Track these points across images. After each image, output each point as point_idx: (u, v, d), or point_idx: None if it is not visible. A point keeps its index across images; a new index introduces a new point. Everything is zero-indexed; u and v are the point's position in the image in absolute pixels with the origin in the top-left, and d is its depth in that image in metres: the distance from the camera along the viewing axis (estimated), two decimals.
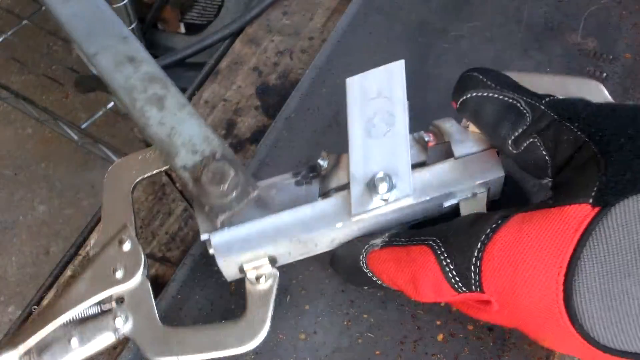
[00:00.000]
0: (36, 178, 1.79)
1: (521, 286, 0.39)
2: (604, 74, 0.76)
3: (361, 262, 0.50)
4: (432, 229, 0.46)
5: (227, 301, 0.61)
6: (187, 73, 1.57)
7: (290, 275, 0.62)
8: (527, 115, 0.44)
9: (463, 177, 0.47)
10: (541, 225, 0.39)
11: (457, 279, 0.43)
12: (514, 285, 0.40)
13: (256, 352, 0.58)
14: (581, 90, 0.48)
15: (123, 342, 0.61)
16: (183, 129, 0.45)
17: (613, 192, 0.37)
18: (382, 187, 0.45)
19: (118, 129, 1.82)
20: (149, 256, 0.67)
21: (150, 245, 0.67)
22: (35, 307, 0.64)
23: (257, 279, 0.47)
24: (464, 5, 0.84)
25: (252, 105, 0.77)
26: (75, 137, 1.68)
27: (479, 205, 0.48)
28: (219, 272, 0.64)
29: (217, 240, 0.47)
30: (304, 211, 0.47)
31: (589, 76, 0.76)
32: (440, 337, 0.58)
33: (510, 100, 0.45)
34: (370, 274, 0.50)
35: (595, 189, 0.38)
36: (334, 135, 0.72)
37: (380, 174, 0.45)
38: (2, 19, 1.91)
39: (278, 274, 0.48)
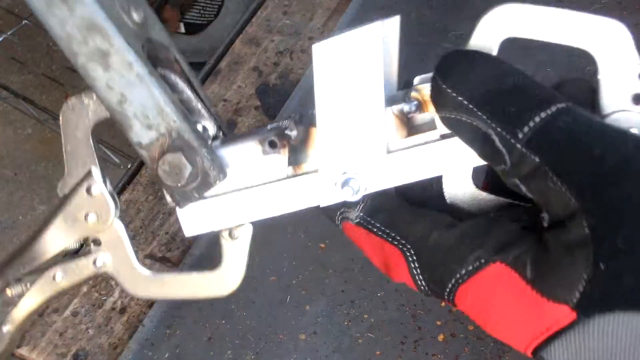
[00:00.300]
0: (36, 178, 1.79)
1: (491, 331, 0.38)
2: None
3: (337, 223, 0.46)
4: (408, 231, 0.41)
5: (227, 301, 0.61)
6: None
7: (291, 275, 0.62)
8: (504, 155, 0.36)
9: (445, 163, 0.42)
10: (517, 303, 0.37)
11: (429, 292, 0.42)
12: (484, 326, 0.39)
13: (256, 352, 0.58)
14: (601, 37, 0.41)
15: (124, 343, 0.61)
16: (133, 97, 0.39)
17: (597, 304, 0.35)
18: (350, 191, 0.42)
19: (117, 129, 1.82)
20: (148, 256, 0.67)
21: (150, 245, 0.67)
22: None
23: (231, 234, 0.45)
24: (464, 5, 0.84)
25: (252, 105, 0.77)
26: None
27: (464, 181, 0.44)
28: None
29: (184, 215, 0.45)
30: (272, 190, 0.44)
31: (589, 76, 0.76)
32: (440, 337, 0.58)
33: (483, 130, 0.36)
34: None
35: (579, 293, 0.35)
36: None
37: (348, 174, 0.42)
38: (2, 19, 1.91)
39: (251, 227, 0.46)
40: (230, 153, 0.46)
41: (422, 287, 0.40)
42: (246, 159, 0.45)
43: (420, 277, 0.40)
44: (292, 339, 0.58)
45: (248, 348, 0.58)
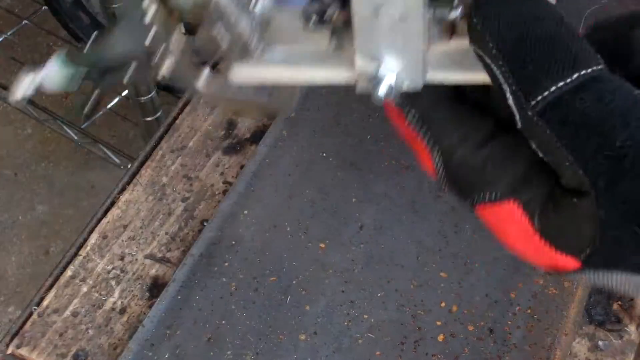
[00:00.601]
0: (36, 178, 1.79)
1: (507, 248, 0.38)
2: None
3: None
4: (439, 135, 0.39)
5: (227, 301, 0.61)
6: None
7: (291, 276, 0.62)
8: (515, 115, 0.33)
9: (484, 73, 0.40)
10: (526, 242, 0.36)
11: (448, 190, 0.40)
12: (499, 239, 0.38)
13: (256, 352, 0.58)
14: None
15: (123, 343, 0.61)
16: None
17: (602, 265, 0.35)
18: (383, 89, 0.40)
19: (118, 129, 1.82)
20: (148, 256, 0.67)
21: (150, 246, 0.67)
22: (35, 307, 0.64)
23: None
24: None
25: None
26: (75, 137, 1.68)
27: None
28: (218, 273, 0.64)
29: (228, 71, 0.45)
30: (312, 71, 0.43)
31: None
32: (440, 337, 0.58)
33: (499, 78, 0.34)
34: None
35: (584, 255, 0.35)
36: (334, 136, 0.72)
37: (382, 73, 0.40)
38: (2, 19, 1.91)
39: None
40: (273, 20, 0.44)
41: (444, 189, 0.39)
42: (288, 28, 0.43)
43: (444, 180, 0.39)
44: (292, 339, 0.58)
45: (248, 348, 0.58)
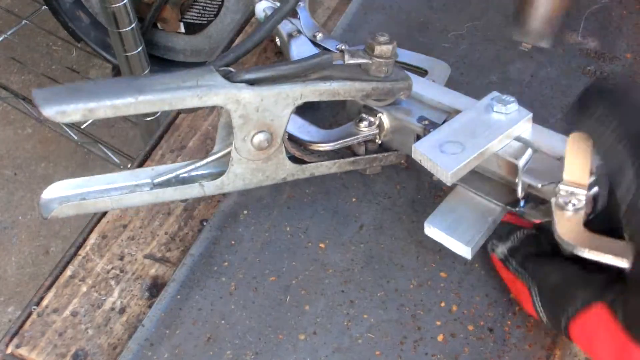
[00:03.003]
0: (36, 178, 1.79)
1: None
2: (605, 73, 0.75)
3: (488, 250, 0.59)
4: (534, 269, 0.54)
5: (226, 301, 0.61)
6: None
7: (290, 275, 0.62)
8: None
9: None
10: (612, 340, 0.47)
11: (551, 326, 0.54)
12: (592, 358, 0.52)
13: (256, 352, 0.58)
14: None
15: (123, 343, 0.61)
16: None
17: None
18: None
19: (117, 129, 1.82)
20: (148, 256, 0.67)
21: (149, 246, 0.67)
22: (35, 307, 0.64)
23: None
24: (464, 5, 0.84)
25: None
26: (75, 137, 1.68)
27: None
28: (218, 272, 0.64)
29: None
30: None
31: (589, 75, 0.76)
32: (440, 337, 0.58)
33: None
34: None
35: None
36: None
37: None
38: (2, 19, 1.91)
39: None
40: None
41: (544, 321, 0.53)
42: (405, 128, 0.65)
43: (542, 313, 0.53)
44: (292, 339, 0.58)
45: (247, 348, 0.58)
